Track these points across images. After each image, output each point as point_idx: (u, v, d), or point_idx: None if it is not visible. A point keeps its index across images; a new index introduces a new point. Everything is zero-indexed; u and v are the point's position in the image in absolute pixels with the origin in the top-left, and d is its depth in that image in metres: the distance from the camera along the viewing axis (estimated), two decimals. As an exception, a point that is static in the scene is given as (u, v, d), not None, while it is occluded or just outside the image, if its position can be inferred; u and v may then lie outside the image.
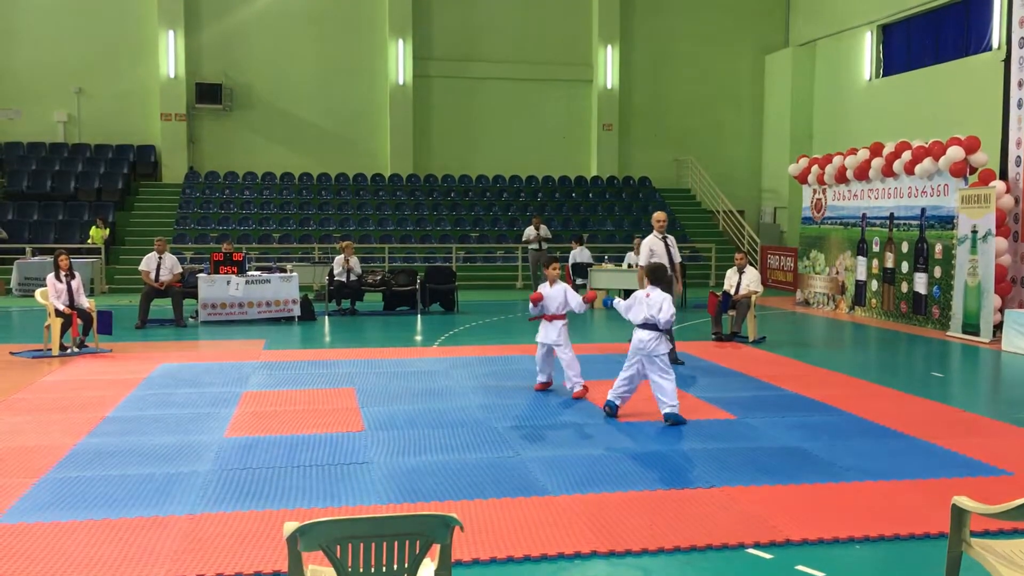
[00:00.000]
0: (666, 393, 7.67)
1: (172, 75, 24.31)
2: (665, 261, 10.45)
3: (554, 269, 8.83)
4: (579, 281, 18.32)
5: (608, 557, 4.80)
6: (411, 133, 25.68)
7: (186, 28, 24.38)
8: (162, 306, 15.21)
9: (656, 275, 7.90)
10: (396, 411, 8.16)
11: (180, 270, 14.95)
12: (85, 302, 11.80)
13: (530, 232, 19.60)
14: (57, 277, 11.64)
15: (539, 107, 26.47)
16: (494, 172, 26.08)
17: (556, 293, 8.74)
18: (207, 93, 24.48)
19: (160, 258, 14.64)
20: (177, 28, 24.24)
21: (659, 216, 11.08)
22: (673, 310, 7.72)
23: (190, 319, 14.73)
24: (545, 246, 19.71)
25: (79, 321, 11.54)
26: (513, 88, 26.27)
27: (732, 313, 13.07)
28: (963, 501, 3.78)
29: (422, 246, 22.94)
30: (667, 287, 7.89)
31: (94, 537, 4.97)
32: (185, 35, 24.37)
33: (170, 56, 24.23)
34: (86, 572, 4.52)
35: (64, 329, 11.44)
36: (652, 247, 10.86)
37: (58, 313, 11.37)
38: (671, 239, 11.14)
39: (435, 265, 19.01)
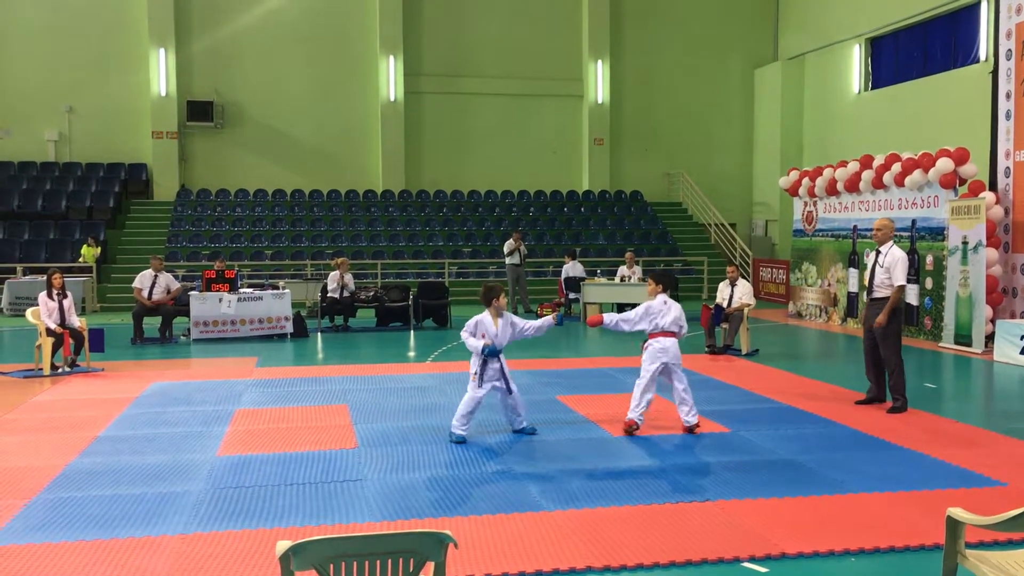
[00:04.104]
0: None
1: (163, 93, 24.32)
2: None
3: (652, 285, 8.07)
4: (572, 295, 18.32)
5: (603, 573, 4.78)
6: (402, 149, 25.73)
7: (177, 46, 24.42)
8: (154, 325, 15.15)
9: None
10: (389, 428, 8.13)
11: (177, 286, 14.91)
12: (76, 321, 11.75)
13: (510, 245, 19.30)
14: (49, 295, 11.59)
15: (530, 122, 26.56)
16: (486, 187, 26.13)
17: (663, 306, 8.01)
18: (198, 111, 24.50)
19: (156, 276, 14.62)
20: (168, 46, 24.28)
21: (874, 224, 9.16)
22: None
23: (182, 337, 14.68)
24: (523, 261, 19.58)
25: (70, 340, 11.49)
26: (504, 103, 26.36)
27: (725, 326, 13.08)
28: (958, 512, 3.78)
29: (414, 262, 22.94)
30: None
31: (86, 558, 4.93)
32: (176, 53, 24.41)
33: (161, 74, 24.26)
34: (77, 594, 4.48)
35: (55, 348, 11.38)
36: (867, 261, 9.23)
37: (49, 332, 11.32)
38: (888, 253, 8.78)
39: (427, 280, 19.00)
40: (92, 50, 24.16)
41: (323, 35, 25.35)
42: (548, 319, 7.88)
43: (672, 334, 7.92)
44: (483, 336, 7.62)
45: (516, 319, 7.84)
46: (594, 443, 7.54)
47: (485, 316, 7.72)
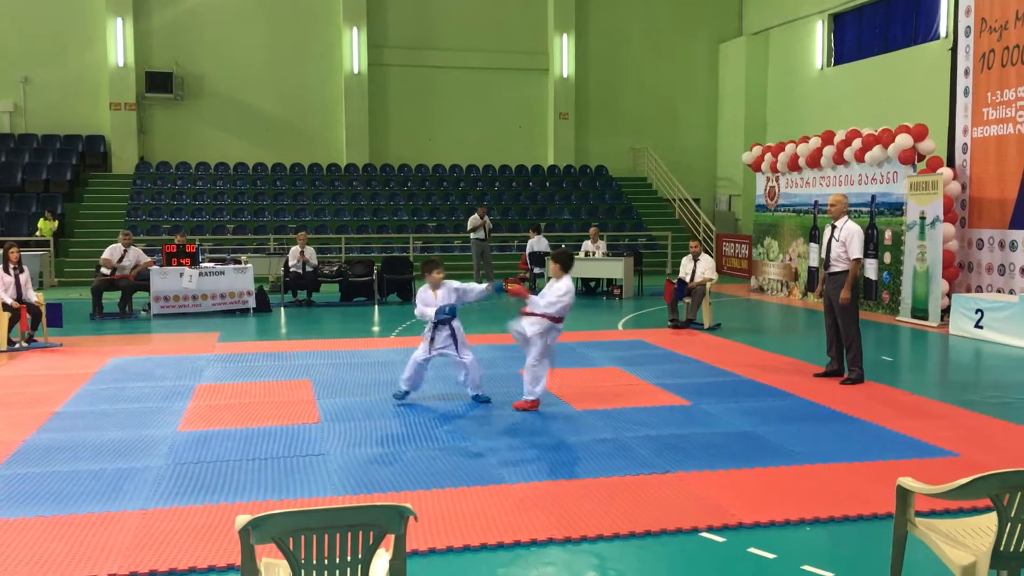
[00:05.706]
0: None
1: (121, 63, 23.87)
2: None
3: (556, 267, 7.84)
4: (537, 270, 18.35)
5: (564, 544, 4.83)
6: (367, 122, 25.52)
7: (135, 15, 23.94)
8: (114, 300, 14.96)
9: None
10: (352, 403, 8.13)
11: (147, 260, 14.70)
12: (33, 296, 11.59)
13: (475, 220, 19.17)
14: (6, 270, 11.40)
15: (495, 96, 26.44)
16: (451, 161, 26.01)
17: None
18: (158, 82, 24.09)
19: (125, 251, 14.45)
20: (126, 15, 23.79)
21: (829, 199, 9.22)
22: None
23: (142, 312, 14.52)
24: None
25: (27, 315, 11.33)
26: (469, 77, 26.21)
27: (688, 300, 13.18)
28: (908, 482, 3.87)
29: (379, 236, 22.83)
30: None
31: (44, 534, 4.90)
32: (134, 22, 23.94)
33: (119, 44, 23.79)
34: (36, 570, 4.45)
35: (12, 323, 11.22)
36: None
37: (6, 307, 11.15)
38: (844, 228, 8.90)
39: (392, 255, 18.93)
40: (48, 20, 23.61)
41: (285, 5, 24.98)
42: (484, 286, 8.38)
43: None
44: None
45: (456, 285, 8.21)
46: (556, 416, 7.60)
47: (425, 289, 8.19)
